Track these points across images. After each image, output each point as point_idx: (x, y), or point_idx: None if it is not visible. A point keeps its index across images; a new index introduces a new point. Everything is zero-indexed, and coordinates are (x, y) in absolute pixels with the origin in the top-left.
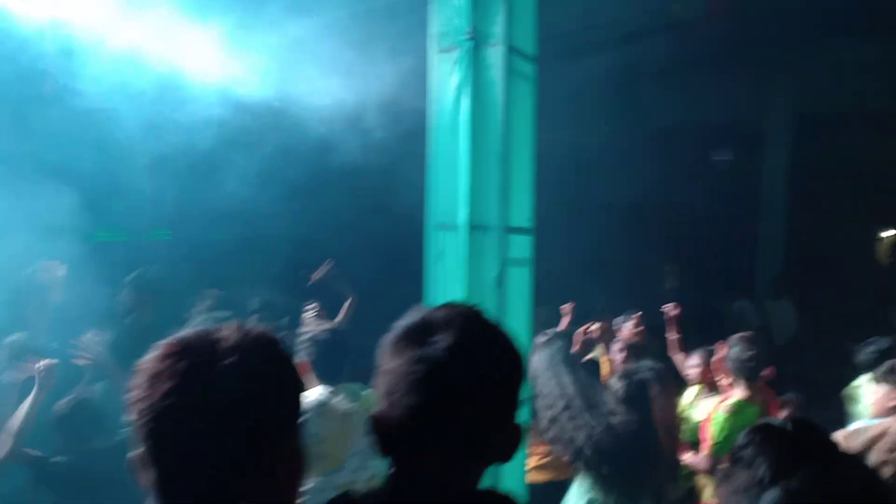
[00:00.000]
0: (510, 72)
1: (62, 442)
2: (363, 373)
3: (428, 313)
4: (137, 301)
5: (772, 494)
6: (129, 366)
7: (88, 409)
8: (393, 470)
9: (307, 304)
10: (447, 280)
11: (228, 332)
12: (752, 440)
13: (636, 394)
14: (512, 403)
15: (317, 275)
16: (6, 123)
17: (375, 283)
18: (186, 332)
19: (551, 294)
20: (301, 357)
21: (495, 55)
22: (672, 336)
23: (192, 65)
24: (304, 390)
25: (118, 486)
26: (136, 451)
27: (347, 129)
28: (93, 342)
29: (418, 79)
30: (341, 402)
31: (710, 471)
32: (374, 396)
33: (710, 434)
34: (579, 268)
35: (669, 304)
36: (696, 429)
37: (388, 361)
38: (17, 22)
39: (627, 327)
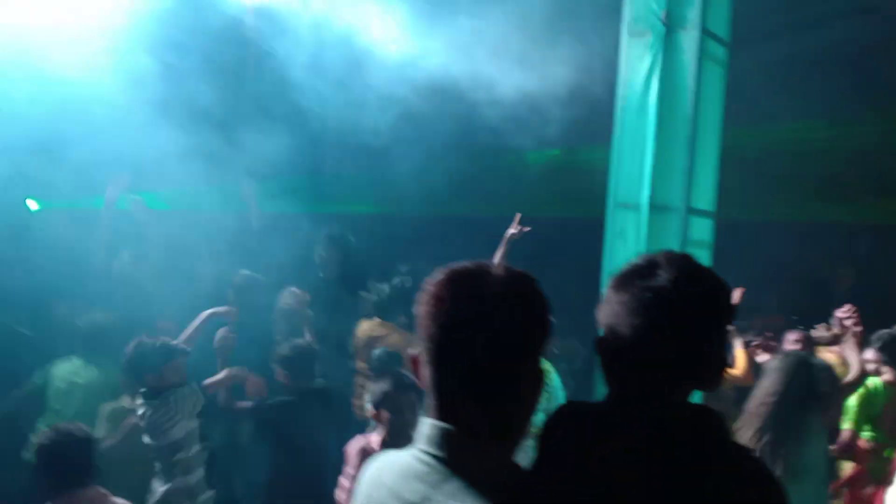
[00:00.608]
0: (703, 55)
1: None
2: None
3: (650, 256)
4: (328, 257)
5: None
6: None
7: (306, 353)
8: (614, 387)
9: None
10: (626, 258)
11: (497, 266)
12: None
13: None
14: (721, 336)
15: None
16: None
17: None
18: (461, 263)
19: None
20: None
21: (689, 39)
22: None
23: (392, 48)
24: (549, 324)
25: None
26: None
27: (532, 111)
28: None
29: (602, 61)
30: None
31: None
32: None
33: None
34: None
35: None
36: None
37: (613, 294)
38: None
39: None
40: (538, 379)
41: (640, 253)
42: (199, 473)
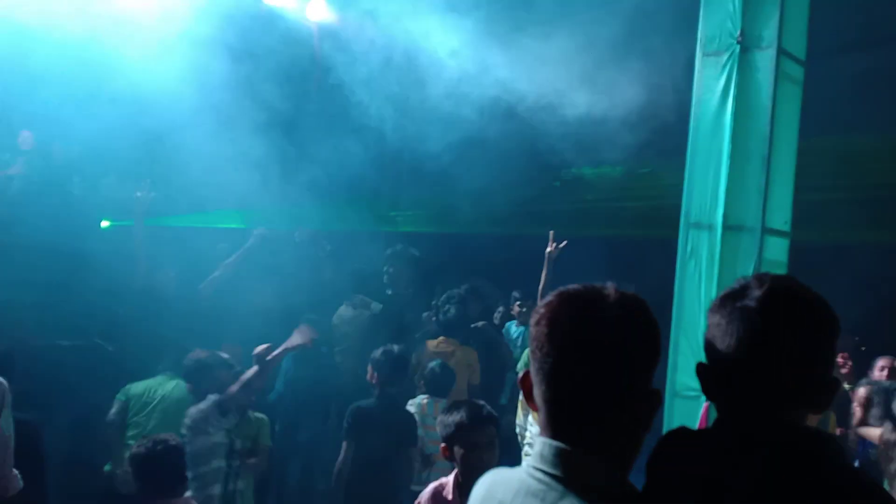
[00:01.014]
0: (779, 74)
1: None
2: None
3: (745, 279)
4: (396, 273)
5: None
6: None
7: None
8: (722, 411)
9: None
10: (699, 278)
11: (610, 289)
12: None
13: None
14: (824, 355)
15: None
16: None
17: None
18: (575, 285)
19: None
20: None
21: (765, 58)
22: None
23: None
24: (659, 344)
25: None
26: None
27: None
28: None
29: (675, 81)
30: None
31: None
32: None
33: None
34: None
35: None
36: None
37: (711, 317)
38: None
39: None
40: (651, 398)
41: (713, 273)
42: (214, 489)
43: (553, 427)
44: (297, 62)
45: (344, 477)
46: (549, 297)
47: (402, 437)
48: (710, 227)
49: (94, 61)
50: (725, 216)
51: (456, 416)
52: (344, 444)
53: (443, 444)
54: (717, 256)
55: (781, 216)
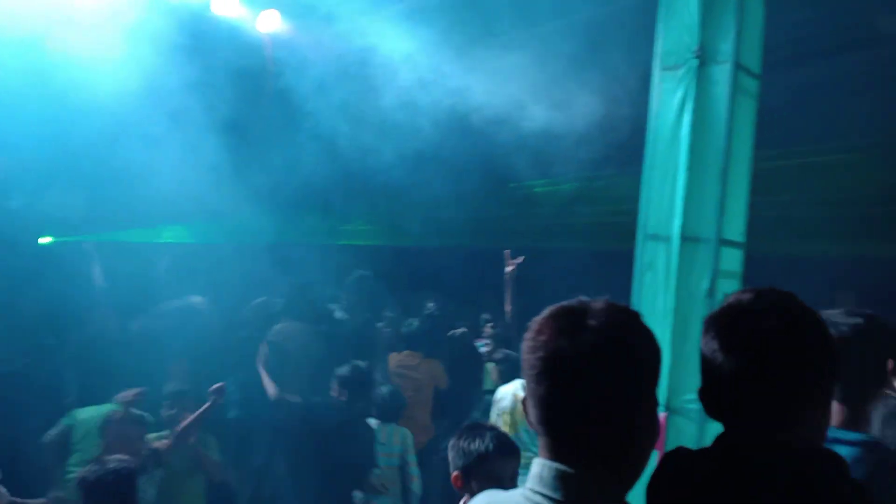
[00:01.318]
0: (735, 88)
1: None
2: None
3: (739, 294)
4: (354, 303)
5: None
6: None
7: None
8: (723, 430)
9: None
10: (655, 291)
11: (599, 303)
12: None
13: None
14: (815, 379)
15: (509, 268)
16: None
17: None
18: (561, 304)
19: None
20: None
21: (722, 72)
22: None
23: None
24: (659, 359)
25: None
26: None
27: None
28: None
29: (631, 93)
30: None
31: None
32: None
33: None
34: None
35: None
36: None
37: (708, 338)
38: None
39: None
40: (651, 417)
41: (670, 284)
42: None
43: (551, 449)
44: (248, 74)
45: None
46: (538, 320)
47: (366, 455)
48: (667, 239)
49: (33, 70)
50: (683, 228)
51: (479, 445)
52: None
53: (456, 473)
54: (674, 268)
55: (737, 227)
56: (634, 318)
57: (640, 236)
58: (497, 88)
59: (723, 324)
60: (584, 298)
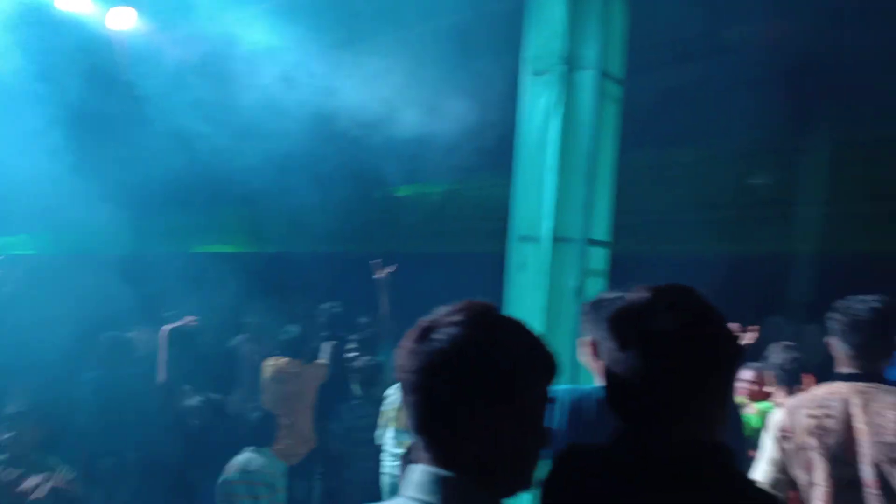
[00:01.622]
0: (601, 94)
1: None
2: None
3: (633, 297)
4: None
5: None
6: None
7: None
8: (621, 426)
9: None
10: (528, 289)
11: (457, 311)
12: None
13: None
14: (721, 372)
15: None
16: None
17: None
18: (427, 317)
19: None
20: None
21: (588, 78)
22: None
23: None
24: (526, 362)
25: None
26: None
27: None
28: None
29: (499, 98)
30: None
31: None
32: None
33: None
34: None
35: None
36: None
37: (609, 336)
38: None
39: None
40: (522, 421)
41: (542, 284)
42: None
43: (428, 454)
44: (98, 72)
45: None
46: (413, 330)
47: None
48: (537, 240)
49: None
50: (553, 229)
51: None
52: None
53: None
54: (545, 267)
55: (602, 228)
56: (492, 308)
57: (511, 237)
58: (364, 92)
59: (621, 323)
60: (448, 306)
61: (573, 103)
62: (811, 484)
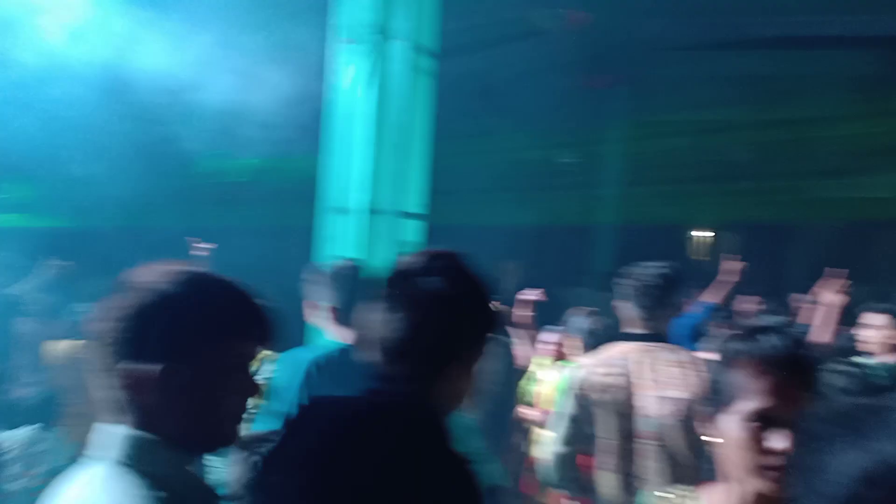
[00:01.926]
0: (413, 67)
1: None
2: None
3: (405, 262)
4: None
5: None
6: None
7: None
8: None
9: None
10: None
11: (174, 270)
12: None
13: None
14: (458, 346)
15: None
16: None
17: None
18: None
19: None
20: None
21: (400, 50)
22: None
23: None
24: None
25: None
26: None
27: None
28: None
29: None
30: None
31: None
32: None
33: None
34: None
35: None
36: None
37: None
38: None
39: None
40: (220, 376)
41: (352, 255)
42: None
43: (123, 414)
44: None
45: None
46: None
47: None
48: (349, 212)
49: None
50: (366, 201)
51: None
52: None
53: None
54: (357, 240)
55: (416, 200)
56: (193, 282)
57: (320, 210)
58: (163, 59)
59: (389, 284)
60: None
61: (385, 75)
62: (601, 438)
